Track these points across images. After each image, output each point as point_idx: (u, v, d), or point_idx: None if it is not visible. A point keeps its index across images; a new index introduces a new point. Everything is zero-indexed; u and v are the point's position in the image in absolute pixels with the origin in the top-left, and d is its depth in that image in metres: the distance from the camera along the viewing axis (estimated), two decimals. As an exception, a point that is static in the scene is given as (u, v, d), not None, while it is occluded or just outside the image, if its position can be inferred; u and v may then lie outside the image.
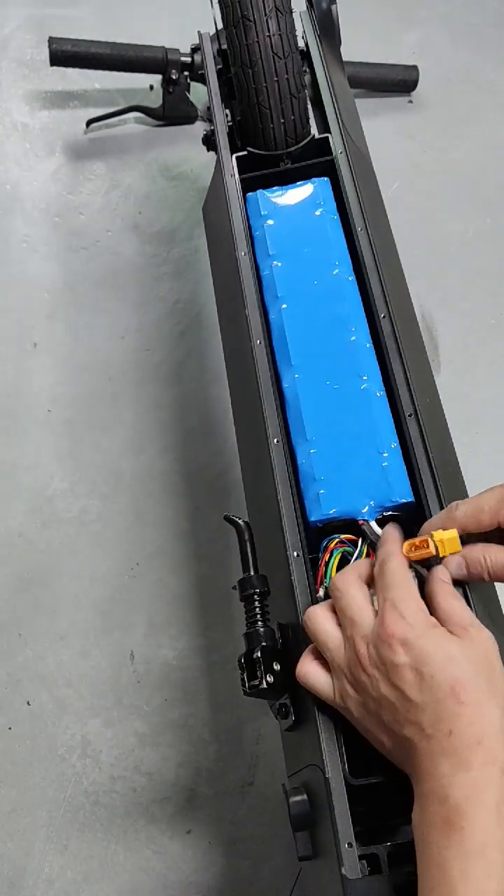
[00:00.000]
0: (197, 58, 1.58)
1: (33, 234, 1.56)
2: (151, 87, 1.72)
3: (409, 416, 0.80)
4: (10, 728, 1.15)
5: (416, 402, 0.80)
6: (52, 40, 1.56)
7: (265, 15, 1.03)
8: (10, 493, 1.31)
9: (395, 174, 1.60)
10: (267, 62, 1.03)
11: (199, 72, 1.57)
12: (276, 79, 1.03)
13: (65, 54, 1.57)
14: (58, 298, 1.49)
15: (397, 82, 1.70)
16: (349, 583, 0.66)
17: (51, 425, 1.37)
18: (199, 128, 1.68)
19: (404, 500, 0.77)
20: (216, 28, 1.24)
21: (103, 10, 1.82)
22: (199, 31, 1.25)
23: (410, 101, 1.73)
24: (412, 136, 1.69)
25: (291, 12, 1.07)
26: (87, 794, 1.11)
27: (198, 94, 1.65)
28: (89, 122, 1.66)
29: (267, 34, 1.03)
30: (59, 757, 1.13)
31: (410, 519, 0.78)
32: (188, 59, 1.58)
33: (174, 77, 1.59)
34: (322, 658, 0.66)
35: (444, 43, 1.81)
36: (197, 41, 1.61)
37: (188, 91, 1.63)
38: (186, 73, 1.59)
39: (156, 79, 1.67)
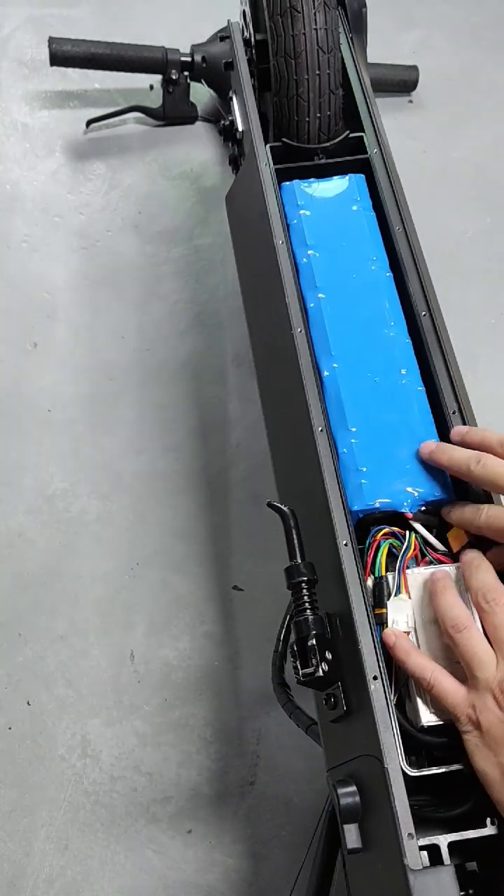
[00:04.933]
0: (197, 58, 1.58)
1: (33, 233, 1.56)
2: (151, 87, 1.71)
3: (454, 413, 0.81)
4: (10, 728, 1.15)
5: (460, 399, 0.81)
6: (52, 40, 1.56)
7: (314, 8, 1.03)
8: (10, 493, 1.31)
9: (396, 174, 1.60)
10: (311, 55, 1.03)
11: (209, 68, 1.57)
12: (318, 72, 1.03)
13: (65, 54, 1.57)
14: (58, 298, 1.49)
15: (397, 82, 1.70)
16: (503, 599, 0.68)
17: (51, 425, 1.37)
18: (200, 128, 1.68)
19: (446, 496, 0.77)
20: (243, 18, 1.23)
21: (103, 11, 1.82)
22: (228, 20, 1.25)
23: (410, 101, 1.73)
24: (412, 136, 1.68)
25: (337, 8, 1.07)
26: (87, 793, 1.11)
27: (198, 94, 1.65)
28: (89, 122, 1.65)
29: (314, 27, 1.02)
30: (60, 757, 1.13)
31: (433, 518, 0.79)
32: (188, 59, 1.58)
33: (174, 77, 1.59)
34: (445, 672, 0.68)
35: (444, 43, 1.81)
36: (196, 41, 1.61)
37: (188, 91, 1.63)
38: (186, 73, 1.59)
39: (156, 79, 1.67)
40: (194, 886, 1.06)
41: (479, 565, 0.71)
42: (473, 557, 0.72)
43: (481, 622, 0.68)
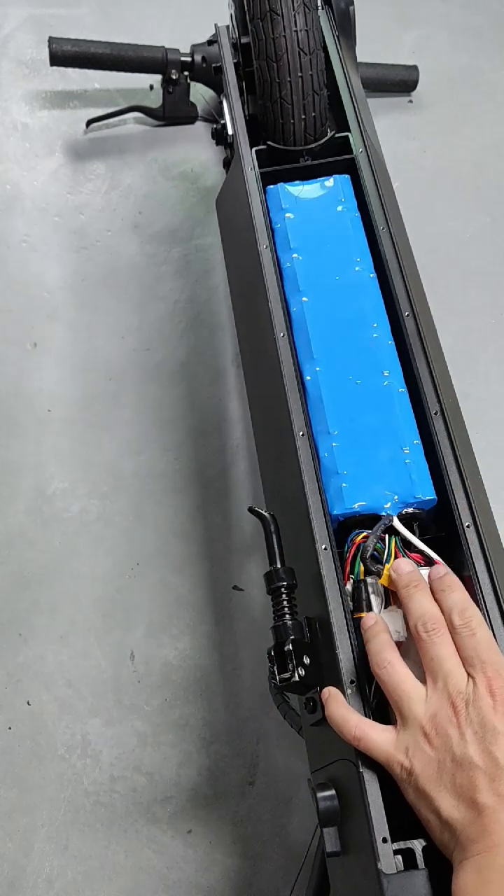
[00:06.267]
0: (197, 58, 1.58)
1: (33, 233, 1.56)
2: (151, 87, 1.71)
3: (435, 413, 0.80)
4: (10, 728, 1.15)
5: (442, 400, 0.80)
6: (51, 40, 1.56)
7: (293, 10, 1.03)
8: (10, 493, 1.31)
9: (396, 174, 1.58)
10: (292, 57, 1.03)
11: (209, 68, 1.57)
12: (300, 74, 1.03)
13: (65, 54, 1.57)
14: (58, 298, 1.49)
15: (397, 82, 1.70)
16: (442, 636, 0.64)
17: (51, 425, 1.37)
18: (200, 128, 1.68)
19: (427, 498, 0.77)
20: (232, 21, 1.23)
21: (103, 10, 1.82)
22: (215, 24, 1.24)
23: (410, 101, 1.73)
24: (412, 136, 1.68)
25: (318, 9, 1.06)
26: (87, 793, 1.11)
27: (198, 94, 1.65)
28: (89, 122, 1.65)
29: (294, 29, 1.03)
30: (60, 757, 1.13)
31: (430, 517, 0.78)
32: (188, 59, 1.58)
33: (174, 77, 1.59)
34: (366, 719, 0.65)
35: (444, 43, 1.81)
36: (196, 41, 1.61)
37: (188, 91, 1.63)
38: (186, 73, 1.59)
39: (156, 79, 1.67)
40: (194, 886, 1.06)
41: (419, 586, 0.68)
42: (412, 578, 0.69)
43: (419, 651, 0.65)
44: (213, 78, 1.59)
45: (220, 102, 1.57)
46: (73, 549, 1.27)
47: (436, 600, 0.67)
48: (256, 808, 1.10)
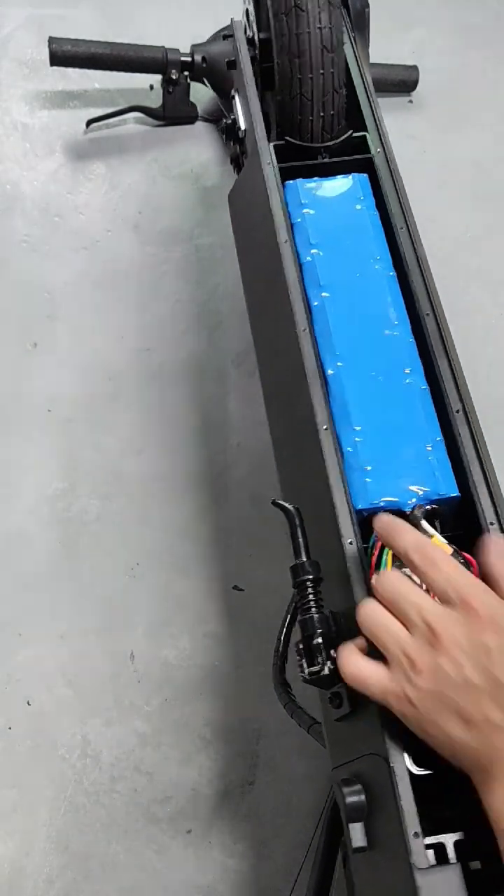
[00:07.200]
0: (197, 58, 1.58)
1: (33, 233, 1.56)
2: (151, 87, 1.71)
3: (458, 411, 0.81)
4: (10, 728, 1.15)
5: (464, 398, 0.81)
6: (52, 40, 1.56)
7: (318, 7, 1.03)
8: (10, 493, 1.31)
9: (396, 174, 1.60)
10: (315, 54, 1.03)
11: (209, 68, 1.57)
12: (321, 71, 1.03)
13: (65, 54, 1.57)
14: (58, 298, 1.49)
15: (397, 82, 1.70)
16: (396, 575, 0.65)
17: (51, 425, 1.37)
18: (200, 128, 1.68)
19: (451, 495, 0.78)
20: (246, 17, 1.23)
21: (103, 10, 1.82)
22: (232, 19, 1.25)
23: (411, 101, 1.73)
24: (412, 136, 1.68)
25: (341, 8, 1.07)
26: (87, 793, 1.11)
27: (198, 94, 1.65)
28: (89, 122, 1.65)
29: (318, 26, 1.03)
30: (60, 757, 1.13)
31: (453, 514, 0.79)
32: (188, 59, 1.58)
33: (174, 77, 1.59)
34: (363, 655, 0.66)
35: (445, 43, 1.81)
36: (196, 41, 1.61)
37: (188, 91, 1.63)
38: (186, 73, 1.59)
39: (156, 79, 1.67)
40: (194, 886, 1.06)
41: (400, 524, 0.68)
42: (390, 519, 0.69)
43: (421, 579, 0.65)
44: (213, 78, 1.60)
45: (227, 100, 1.57)
46: (73, 549, 1.27)
47: (392, 547, 0.68)
48: (256, 808, 1.10)
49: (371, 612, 0.65)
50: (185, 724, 1.15)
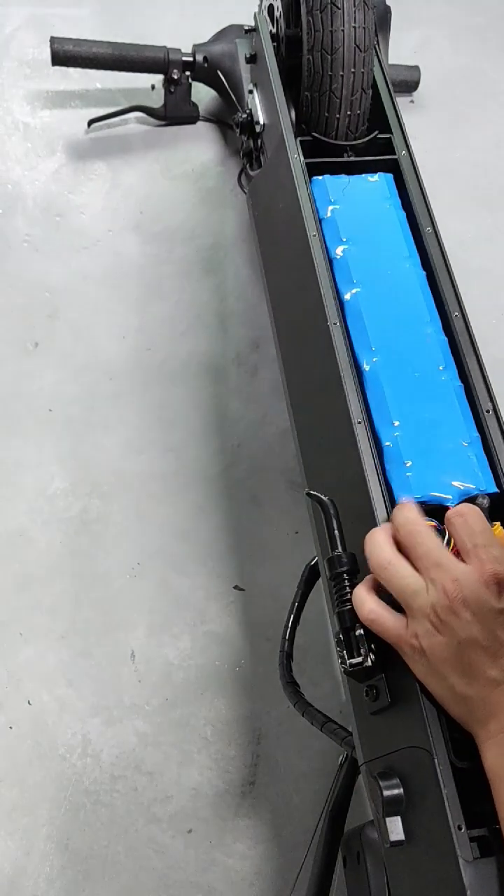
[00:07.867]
0: (198, 57, 1.58)
1: (34, 233, 1.56)
2: (153, 87, 1.71)
3: (488, 411, 0.82)
4: (10, 727, 1.15)
5: (493, 398, 0.82)
6: (53, 40, 1.56)
7: (353, 5, 1.03)
8: (10, 492, 1.31)
9: (397, 174, 1.60)
10: (348, 52, 1.03)
11: (210, 68, 1.57)
12: (353, 70, 1.04)
13: (66, 54, 1.57)
14: (59, 298, 1.49)
15: (399, 82, 1.70)
16: (425, 530, 0.68)
17: (51, 425, 1.37)
18: (201, 128, 1.68)
19: (490, 491, 0.78)
20: (269, 12, 1.23)
21: (105, 10, 1.82)
22: (255, 13, 1.24)
23: (412, 101, 1.73)
24: (413, 136, 1.67)
25: (374, 9, 1.07)
26: (87, 793, 1.11)
27: (199, 94, 1.65)
28: (91, 122, 1.66)
29: (353, 24, 1.03)
30: (60, 756, 1.13)
31: (490, 510, 0.79)
32: (190, 59, 1.58)
33: (176, 77, 1.59)
34: (378, 599, 0.68)
35: (446, 43, 1.81)
36: (198, 41, 1.61)
37: (189, 91, 1.63)
38: (188, 72, 1.59)
39: (157, 78, 1.67)
40: (194, 886, 1.06)
41: (405, 506, 0.71)
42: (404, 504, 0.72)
43: (407, 556, 0.68)
44: (214, 78, 1.60)
45: (228, 99, 1.57)
46: (74, 549, 1.27)
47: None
48: (257, 808, 1.10)
49: (395, 574, 0.67)
50: (185, 723, 1.15)
